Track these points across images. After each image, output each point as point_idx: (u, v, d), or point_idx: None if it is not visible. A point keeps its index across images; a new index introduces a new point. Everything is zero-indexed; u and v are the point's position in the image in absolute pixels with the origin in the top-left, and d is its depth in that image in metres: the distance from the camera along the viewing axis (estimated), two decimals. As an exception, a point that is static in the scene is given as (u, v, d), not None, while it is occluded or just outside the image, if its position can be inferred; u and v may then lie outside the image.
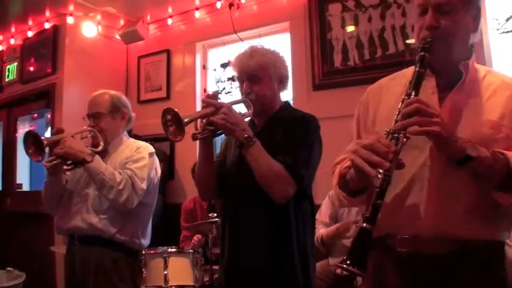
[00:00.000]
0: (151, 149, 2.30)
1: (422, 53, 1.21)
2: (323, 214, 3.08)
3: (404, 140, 1.10)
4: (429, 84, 1.26)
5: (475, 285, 1.16)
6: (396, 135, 1.10)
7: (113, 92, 2.37)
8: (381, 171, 1.07)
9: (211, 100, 1.69)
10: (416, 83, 1.18)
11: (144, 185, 2.15)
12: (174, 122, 1.57)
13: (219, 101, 1.73)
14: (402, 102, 1.15)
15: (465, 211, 1.16)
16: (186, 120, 1.55)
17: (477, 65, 1.32)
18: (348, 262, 1.04)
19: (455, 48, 1.24)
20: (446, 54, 1.24)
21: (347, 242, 2.87)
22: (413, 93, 1.16)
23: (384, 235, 1.24)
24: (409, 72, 1.33)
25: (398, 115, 1.13)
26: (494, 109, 1.20)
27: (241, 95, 1.81)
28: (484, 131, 1.18)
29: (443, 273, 1.17)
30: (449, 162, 1.15)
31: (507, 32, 3.02)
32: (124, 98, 2.39)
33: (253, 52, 1.80)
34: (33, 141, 2.06)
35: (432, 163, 1.19)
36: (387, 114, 1.27)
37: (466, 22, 1.24)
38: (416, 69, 1.20)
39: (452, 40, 1.23)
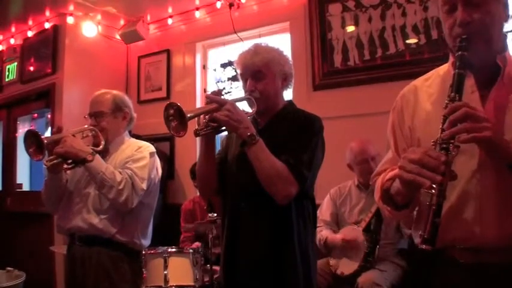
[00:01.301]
0: (152, 148, 2.29)
1: (460, 53, 1.13)
2: (324, 212, 3.08)
3: (455, 149, 1.02)
4: (468, 83, 1.15)
5: None
6: (445, 145, 1.02)
7: (115, 91, 2.36)
8: (434, 186, 0.99)
9: (215, 96, 1.67)
10: (458, 86, 1.09)
11: (144, 185, 2.15)
12: (176, 117, 1.55)
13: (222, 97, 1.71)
14: (446, 107, 1.06)
15: None
16: (189, 115, 1.53)
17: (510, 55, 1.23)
18: None
19: (493, 41, 1.17)
20: (484, 49, 1.16)
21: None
22: (457, 97, 1.07)
23: (443, 248, 1.14)
24: (443, 70, 1.28)
25: (444, 122, 1.04)
26: None
27: (245, 92, 1.79)
28: None
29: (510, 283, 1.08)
30: (501, 167, 1.06)
31: (507, 31, 3.02)
32: (126, 97, 2.38)
33: (257, 49, 1.79)
34: (33, 141, 2.05)
35: (484, 169, 1.11)
36: (425, 118, 1.22)
37: (499, 12, 1.16)
38: (456, 70, 1.11)
39: (488, 33, 1.15)
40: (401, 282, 2.70)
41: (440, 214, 1.00)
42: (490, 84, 1.17)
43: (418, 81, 1.36)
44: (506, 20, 1.20)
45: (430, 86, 1.30)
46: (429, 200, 1.01)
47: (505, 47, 1.21)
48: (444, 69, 1.26)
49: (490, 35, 1.16)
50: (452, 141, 1.02)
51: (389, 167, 1.33)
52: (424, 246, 1.00)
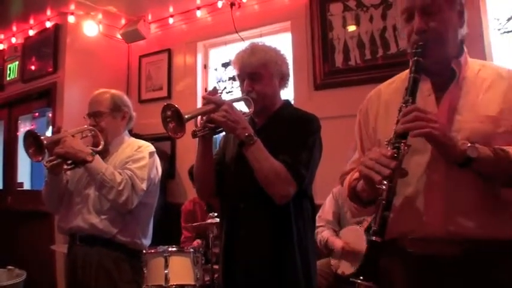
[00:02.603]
0: (152, 148, 2.28)
1: (415, 58, 1.22)
2: (326, 212, 3.08)
3: (406, 148, 1.11)
4: (425, 87, 1.26)
5: (490, 286, 1.13)
6: (397, 144, 1.11)
7: (114, 91, 2.36)
8: (385, 182, 1.08)
9: (212, 97, 1.66)
10: (412, 89, 1.18)
11: (144, 186, 2.14)
12: (174, 118, 1.55)
13: (218, 97, 1.70)
14: (400, 111, 1.15)
15: (473, 210, 1.15)
16: (186, 116, 1.53)
17: (471, 60, 1.31)
18: (362, 278, 1.04)
19: (447, 48, 1.25)
20: (439, 54, 1.24)
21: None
22: (410, 100, 1.16)
23: (394, 238, 1.22)
24: (405, 74, 1.33)
25: (397, 124, 1.13)
26: (491, 104, 1.19)
27: (242, 93, 1.79)
28: (483, 127, 1.17)
29: (456, 275, 1.14)
30: (450, 164, 1.14)
31: (508, 32, 3.02)
32: (125, 97, 2.38)
33: (254, 49, 1.78)
34: (32, 141, 2.04)
35: (434, 166, 1.19)
36: (387, 122, 1.28)
37: (453, 19, 1.25)
38: (412, 75, 1.20)
39: (443, 40, 1.24)
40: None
41: (390, 208, 1.09)
42: (446, 87, 1.25)
43: (383, 85, 1.45)
44: (461, 26, 1.28)
45: (392, 89, 1.38)
46: (380, 195, 1.09)
47: (460, 52, 1.29)
48: (407, 74, 1.31)
49: (445, 41, 1.24)
50: (404, 140, 1.11)
51: (355, 167, 1.39)
52: (374, 238, 1.08)
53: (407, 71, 1.31)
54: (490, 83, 1.23)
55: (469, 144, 1.10)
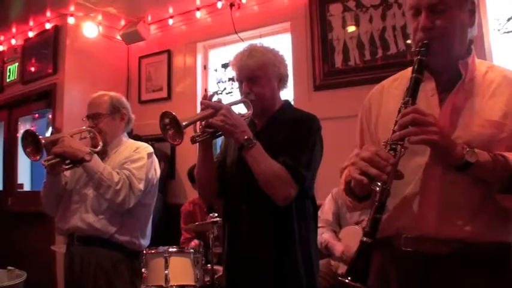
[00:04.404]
0: (150, 149, 2.29)
1: (419, 57, 1.18)
2: (325, 212, 3.07)
3: (402, 150, 1.09)
4: (428, 86, 1.23)
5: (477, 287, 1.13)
6: (394, 146, 1.10)
7: (112, 93, 2.37)
8: (379, 184, 1.07)
9: (209, 102, 1.66)
10: (413, 90, 1.15)
11: (141, 186, 2.15)
12: (172, 125, 1.55)
13: (216, 99, 1.70)
14: (399, 112, 1.13)
15: (467, 214, 1.14)
16: (184, 123, 1.52)
17: (478, 61, 1.27)
18: (350, 278, 1.04)
19: (454, 47, 1.21)
20: (445, 54, 1.21)
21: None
22: (410, 101, 1.14)
23: (390, 235, 1.23)
24: (410, 72, 1.30)
25: (395, 125, 1.11)
26: (496, 108, 1.17)
27: (241, 95, 1.79)
28: (485, 132, 1.15)
29: (443, 274, 1.15)
30: (447, 167, 1.14)
31: (508, 32, 3.02)
32: (124, 99, 2.39)
33: (252, 51, 1.77)
34: (31, 141, 2.05)
35: (431, 168, 1.18)
36: (387, 120, 1.26)
37: (462, 18, 1.20)
38: (413, 75, 1.17)
39: (449, 39, 1.19)
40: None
41: (383, 210, 1.09)
42: (451, 88, 1.21)
43: (386, 82, 1.41)
44: (470, 26, 1.23)
45: (396, 87, 1.35)
46: (375, 198, 1.09)
47: (468, 52, 1.24)
48: (411, 71, 1.29)
49: (451, 41, 1.20)
50: (401, 143, 1.09)
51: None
52: (364, 239, 1.08)
53: (410, 69, 1.30)
54: (496, 86, 1.20)
55: (468, 149, 1.08)
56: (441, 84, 1.24)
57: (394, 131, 1.11)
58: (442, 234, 1.15)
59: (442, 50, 1.19)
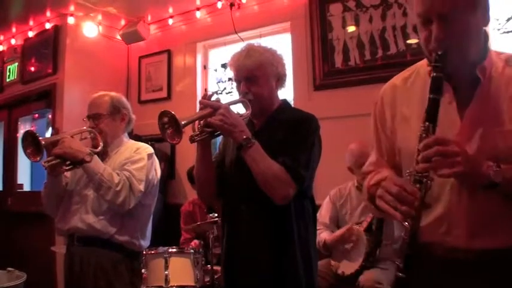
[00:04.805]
0: (151, 150, 2.29)
1: (435, 74, 1.09)
2: (323, 215, 3.07)
3: (429, 182, 1.07)
4: (445, 93, 1.14)
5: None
6: (418, 178, 1.07)
7: (113, 93, 2.37)
8: (408, 220, 1.07)
9: (208, 101, 1.66)
10: (433, 115, 1.08)
11: (141, 187, 2.15)
12: (171, 124, 1.55)
13: (215, 99, 1.70)
14: (420, 139, 1.07)
15: (498, 225, 1.12)
16: (183, 122, 1.53)
17: (495, 53, 1.20)
18: None
19: (470, 53, 1.14)
20: (461, 61, 1.13)
21: (349, 246, 2.87)
22: (431, 128, 1.08)
23: (426, 243, 1.20)
24: (423, 68, 1.26)
25: (418, 155, 1.06)
26: None
27: (239, 95, 1.79)
28: (510, 143, 1.09)
29: (476, 278, 1.12)
30: (473, 188, 1.11)
31: (508, 32, 3.02)
32: (124, 99, 2.39)
33: (250, 51, 1.77)
34: (31, 141, 2.05)
35: (457, 190, 1.14)
36: (406, 129, 1.23)
37: (476, 22, 1.12)
38: (431, 96, 1.08)
39: (465, 47, 1.13)
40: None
41: (413, 247, 1.09)
42: (469, 94, 1.16)
43: (397, 80, 1.34)
44: (485, 25, 1.17)
45: (409, 88, 1.29)
46: (404, 235, 1.10)
47: (485, 52, 1.18)
48: (424, 68, 1.24)
49: (467, 47, 1.13)
50: (426, 174, 1.07)
51: (373, 169, 1.37)
52: (400, 275, 1.11)
53: (424, 62, 1.25)
54: None
55: (494, 168, 1.04)
56: (459, 89, 1.18)
57: (417, 161, 1.07)
58: (473, 247, 1.13)
59: (459, 58, 1.13)
